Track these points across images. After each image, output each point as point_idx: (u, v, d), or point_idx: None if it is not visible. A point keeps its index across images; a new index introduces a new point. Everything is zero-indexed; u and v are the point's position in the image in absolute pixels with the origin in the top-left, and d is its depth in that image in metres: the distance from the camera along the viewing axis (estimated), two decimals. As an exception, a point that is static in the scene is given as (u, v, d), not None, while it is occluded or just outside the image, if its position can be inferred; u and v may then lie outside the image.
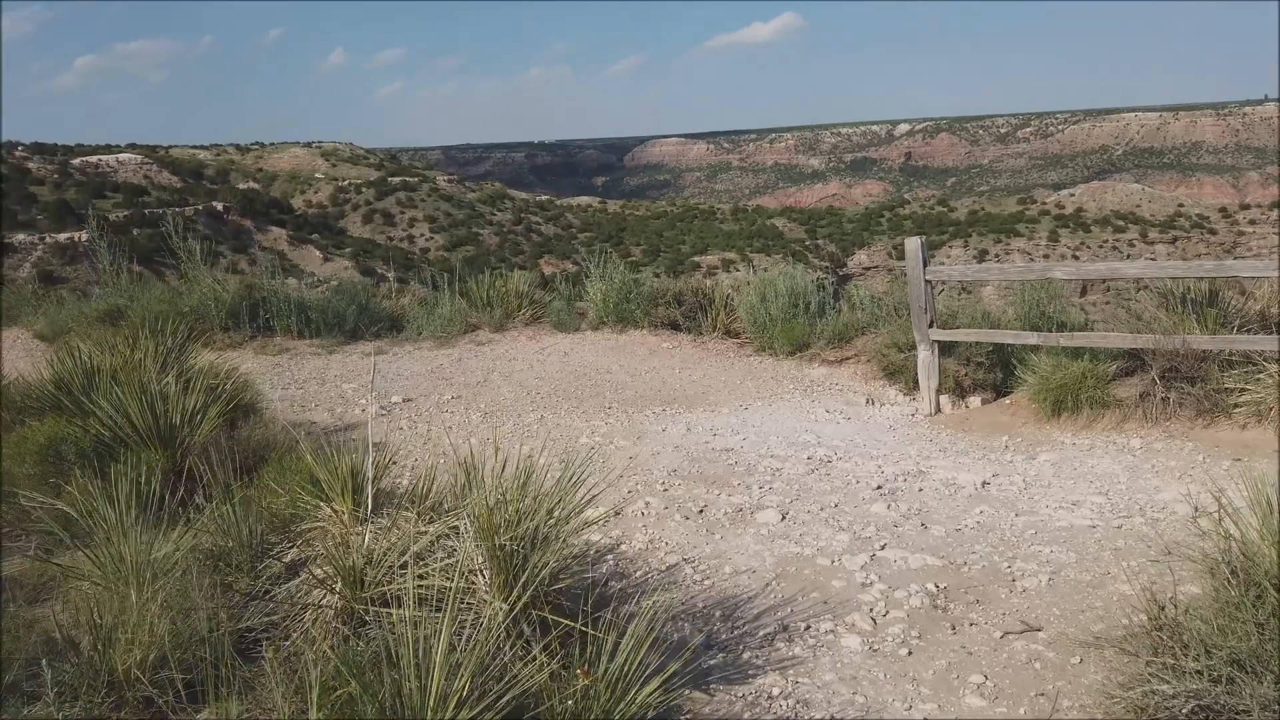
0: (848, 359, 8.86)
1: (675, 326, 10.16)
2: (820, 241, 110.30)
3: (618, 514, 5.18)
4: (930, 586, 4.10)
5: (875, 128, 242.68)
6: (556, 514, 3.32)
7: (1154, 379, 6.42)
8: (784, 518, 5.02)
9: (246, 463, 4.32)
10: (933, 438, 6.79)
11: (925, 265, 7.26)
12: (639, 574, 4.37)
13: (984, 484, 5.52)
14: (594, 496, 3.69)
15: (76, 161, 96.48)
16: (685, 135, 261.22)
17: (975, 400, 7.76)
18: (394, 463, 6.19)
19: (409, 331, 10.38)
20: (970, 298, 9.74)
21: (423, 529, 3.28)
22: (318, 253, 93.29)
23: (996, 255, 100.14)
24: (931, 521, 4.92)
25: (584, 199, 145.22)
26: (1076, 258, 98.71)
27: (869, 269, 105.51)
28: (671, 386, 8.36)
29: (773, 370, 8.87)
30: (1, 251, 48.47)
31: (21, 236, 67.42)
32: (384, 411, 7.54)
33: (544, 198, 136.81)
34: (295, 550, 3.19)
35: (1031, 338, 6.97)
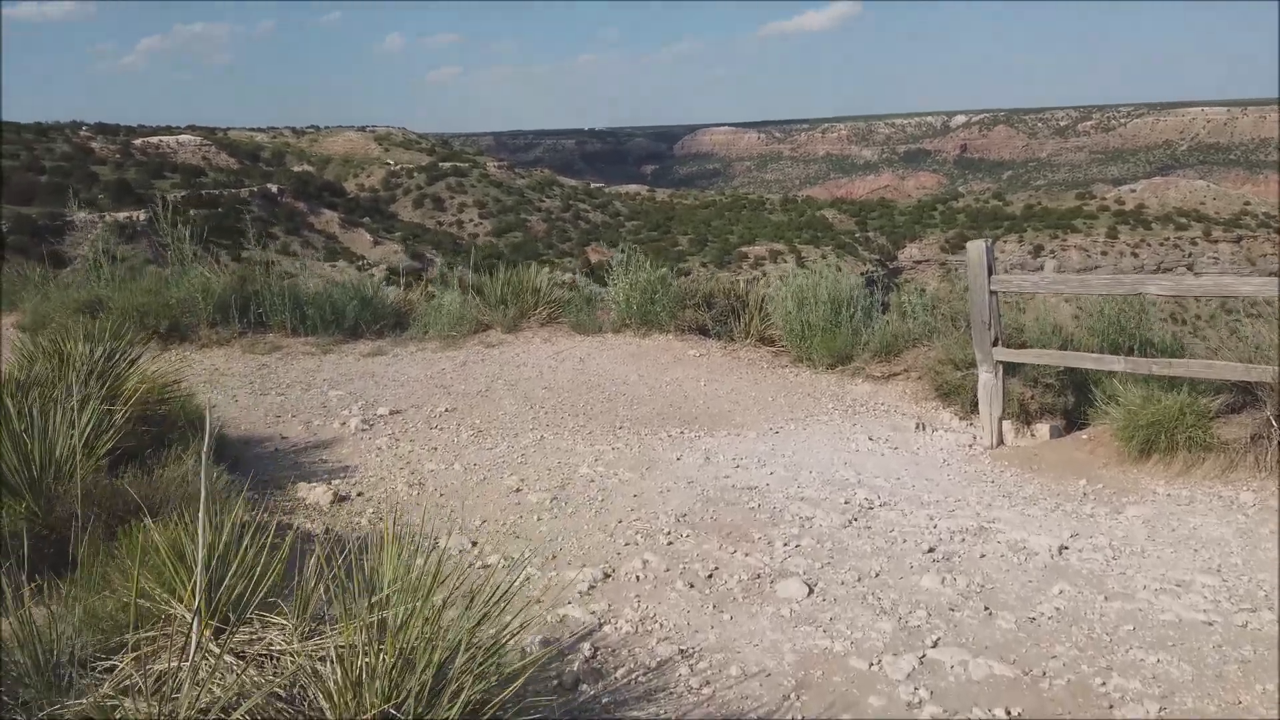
0: (896, 375, 7.83)
1: (704, 331, 9.18)
2: (870, 234, 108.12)
3: (608, 577, 4.24)
4: (1000, 714, 3.10)
5: (930, 119, 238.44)
6: (459, 661, 2.35)
7: (1269, 419, 5.32)
8: (811, 591, 4.04)
9: (130, 516, 3.45)
10: (995, 478, 5.75)
11: (990, 273, 6.20)
12: (621, 673, 3.43)
13: (1061, 549, 4.49)
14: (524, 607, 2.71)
15: (138, 142, 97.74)
16: (736, 124, 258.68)
17: (1043, 428, 6.70)
18: (359, 494, 5.34)
19: (414, 330, 9.51)
20: (1025, 298, 8.67)
21: (292, 647, 2.35)
22: (368, 236, 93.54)
23: (1052, 251, 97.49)
24: (998, 605, 3.91)
25: (633, 187, 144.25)
26: (1135, 255, 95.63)
27: (920, 262, 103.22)
28: (694, 402, 7.39)
29: (810, 385, 7.86)
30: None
31: (83, 214, 68.50)
32: (366, 426, 6.67)
33: (593, 185, 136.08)
34: (107, 684, 2.30)
35: (1116, 363, 5.88)
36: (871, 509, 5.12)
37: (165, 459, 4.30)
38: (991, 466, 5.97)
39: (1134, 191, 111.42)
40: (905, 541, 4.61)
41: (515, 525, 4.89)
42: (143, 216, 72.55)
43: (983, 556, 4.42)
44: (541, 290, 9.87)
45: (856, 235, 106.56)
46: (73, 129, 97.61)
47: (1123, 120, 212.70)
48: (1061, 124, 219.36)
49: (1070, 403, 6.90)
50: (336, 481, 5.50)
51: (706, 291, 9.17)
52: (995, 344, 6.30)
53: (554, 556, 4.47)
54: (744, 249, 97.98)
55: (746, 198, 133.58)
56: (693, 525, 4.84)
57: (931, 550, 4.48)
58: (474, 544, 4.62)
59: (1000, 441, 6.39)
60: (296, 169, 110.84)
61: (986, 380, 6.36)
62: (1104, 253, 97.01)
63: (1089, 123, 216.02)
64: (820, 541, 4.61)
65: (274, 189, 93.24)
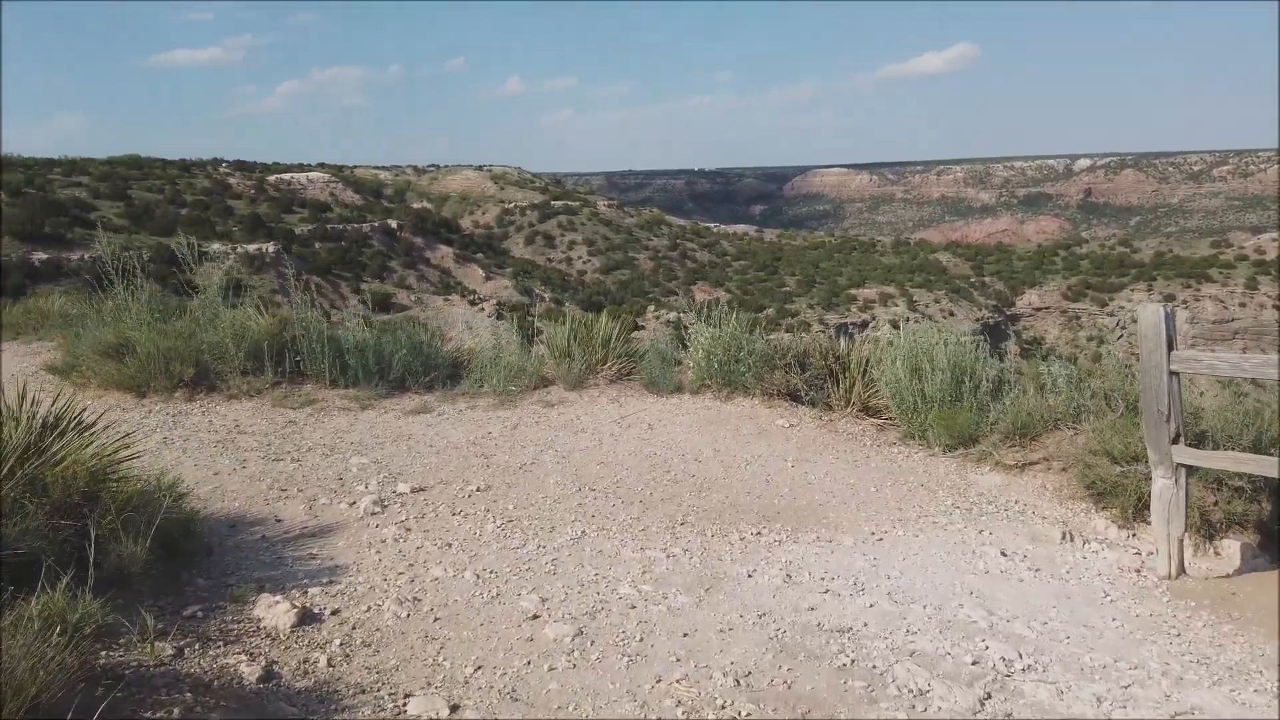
0: (1033, 464, 6.32)
1: (795, 396, 7.81)
2: (987, 279, 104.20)
3: (624, 787, 2.95)
4: None
5: (1052, 162, 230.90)
6: None
7: None
8: (925, 844, 2.67)
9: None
10: (1181, 629, 4.23)
11: (1171, 349, 4.71)
12: None
13: (1311, 780, 2.99)
14: None
15: (272, 179, 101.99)
16: (848, 165, 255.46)
17: (1231, 546, 5.15)
18: (333, 613, 4.18)
19: (467, 383, 8.42)
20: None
21: None
22: (480, 271, 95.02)
23: (1185, 301, 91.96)
24: None
25: (741, 227, 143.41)
26: (1279, 308, 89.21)
27: (1039, 310, 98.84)
28: (777, 489, 6.04)
29: (923, 472, 6.42)
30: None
31: (217, 246, 71.47)
32: (378, 508, 5.54)
33: (701, 225, 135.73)
34: None
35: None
36: (1010, 677, 3.69)
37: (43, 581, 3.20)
38: (1173, 609, 4.45)
39: (1275, 240, 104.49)
40: (1066, 748, 3.17)
41: (517, 678, 3.64)
42: (272, 249, 75.24)
43: (1190, 790, 2.95)
44: (612, 342, 8.68)
45: (972, 280, 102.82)
46: (213, 165, 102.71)
47: (1262, 165, 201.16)
48: (1195, 169, 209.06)
49: (1265, 511, 5.32)
50: (314, 590, 4.35)
51: (799, 350, 7.81)
52: (1175, 440, 4.77)
53: (556, 740, 3.20)
54: (853, 291, 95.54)
55: (857, 240, 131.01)
56: (757, 694, 3.51)
57: (1108, 771, 3.04)
58: (453, 709, 3.39)
59: (1181, 569, 4.84)
60: (416, 206, 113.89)
61: (1163, 488, 4.83)
62: (1242, 304, 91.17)
63: (1225, 168, 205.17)
64: (939, 739, 3.21)
65: (394, 224, 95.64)
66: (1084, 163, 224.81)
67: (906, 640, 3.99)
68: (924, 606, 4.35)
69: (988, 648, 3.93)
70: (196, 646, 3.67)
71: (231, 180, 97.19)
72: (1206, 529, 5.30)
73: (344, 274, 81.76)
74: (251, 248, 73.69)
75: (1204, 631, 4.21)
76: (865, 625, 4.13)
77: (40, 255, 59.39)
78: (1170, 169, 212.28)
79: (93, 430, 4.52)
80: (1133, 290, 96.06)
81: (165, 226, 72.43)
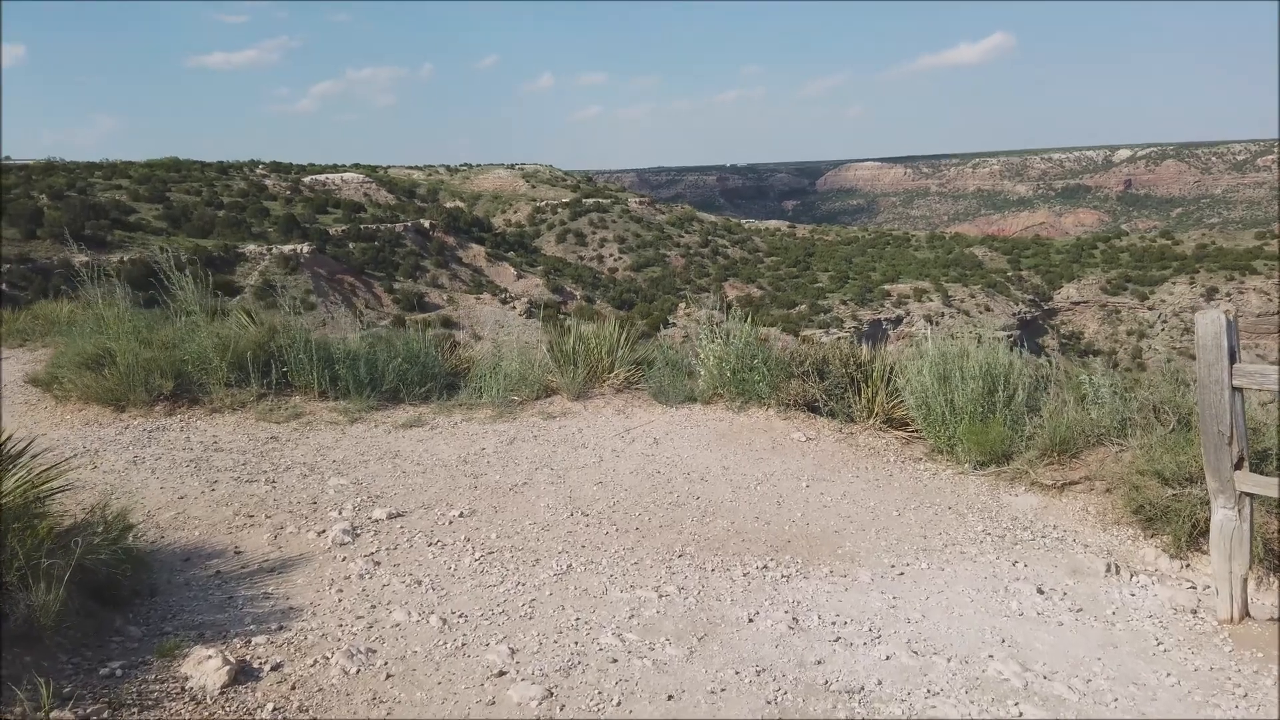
0: (1074, 484, 5.71)
1: (814, 407, 7.25)
2: (1024, 273, 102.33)
3: None
4: None
5: (1091, 153, 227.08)
6: None
7: None
8: None
9: None
10: (1249, 689, 3.64)
11: (1233, 360, 4.10)
12: None
13: None
14: None
15: (307, 180, 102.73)
16: (881, 159, 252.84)
17: (1301, 580, 4.52)
18: (274, 668, 3.70)
19: (466, 394, 7.95)
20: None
21: None
22: (512, 269, 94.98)
23: (1228, 294, 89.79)
24: None
25: (773, 223, 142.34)
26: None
27: (1078, 304, 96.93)
28: (789, 513, 5.50)
29: (951, 492, 5.84)
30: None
31: (252, 247, 72.00)
32: (348, 538, 5.07)
33: (732, 221, 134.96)
34: None
35: None
36: (1048, 753, 3.13)
37: None
38: (1236, 662, 3.85)
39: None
40: None
41: (469, 754, 3.14)
42: (306, 249, 75.50)
43: None
44: (619, 349, 8.16)
45: (1009, 274, 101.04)
46: (250, 167, 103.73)
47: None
48: (1239, 158, 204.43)
49: (1335, 538, 4.70)
50: (259, 640, 3.88)
51: (817, 358, 7.24)
52: (1239, 465, 4.17)
53: (502, 842, 2.70)
54: (887, 286, 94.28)
55: (890, 234, 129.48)
56: (746, 778, 2.98)
57: None
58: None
59: (1244, 612, 4.24)
60: (448, 205, 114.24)
61: (1224, 520, 4.22)
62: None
63: (1270, 157, 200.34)
64: (960, 845, 2.67)
65: (427, 224, 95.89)
66: (1124, 153, 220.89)
67: (927, 704, 3.44)
68: (948, 659, 3.79)
69: (1022, 714, 3.38)
70: (105, 715, 3.21)
71: (267, 181, 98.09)
72: (1271, 560, 4.70)
73: (377, 274, 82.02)
74: (286, 248, 74.10)
75: (1275, 691, 3.62)
76: (879, 684, 3.59)
77: (81, 258, 60.02)
78: (1213, 159, 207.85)
79: (18, 460, 4.10)
80: (1174, 283, 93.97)
81: (203, 228, 73.06)
